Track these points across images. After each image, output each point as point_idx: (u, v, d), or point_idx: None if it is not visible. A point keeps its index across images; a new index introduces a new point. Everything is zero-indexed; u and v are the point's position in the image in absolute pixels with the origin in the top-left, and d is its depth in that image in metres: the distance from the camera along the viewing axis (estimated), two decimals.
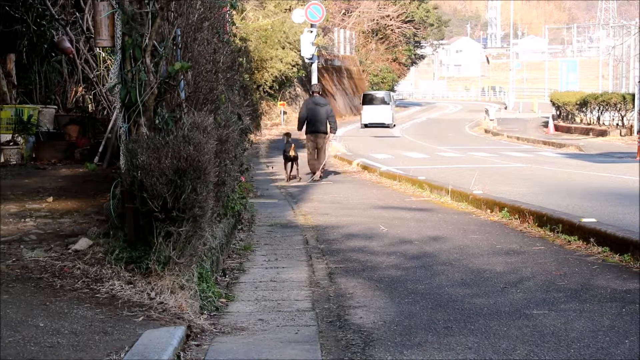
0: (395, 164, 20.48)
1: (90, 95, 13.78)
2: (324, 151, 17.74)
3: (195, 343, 4.97)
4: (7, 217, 7.13)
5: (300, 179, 17.70)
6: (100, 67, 13.46)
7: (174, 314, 5.18)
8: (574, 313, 5.78)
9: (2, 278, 5.39)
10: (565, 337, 5.17)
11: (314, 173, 17.68)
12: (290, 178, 17.68)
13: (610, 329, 5.34)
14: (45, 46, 13.60)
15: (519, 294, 6.41)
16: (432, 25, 73.48)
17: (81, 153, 11.83)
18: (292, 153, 17.46)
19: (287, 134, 17.99)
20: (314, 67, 29.48)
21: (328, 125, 17.65)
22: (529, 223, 9.93)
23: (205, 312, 5.71)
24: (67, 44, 13.03)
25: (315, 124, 17.57)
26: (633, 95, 34.20)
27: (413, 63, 77.77)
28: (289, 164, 17.68)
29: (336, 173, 19.25)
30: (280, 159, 18.94)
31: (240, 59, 9.77)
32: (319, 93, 18.36)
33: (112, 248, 5.85)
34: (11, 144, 11.80)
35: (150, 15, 6.04)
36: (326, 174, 18.43)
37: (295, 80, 42.61)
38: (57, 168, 10.95)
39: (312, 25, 28.01)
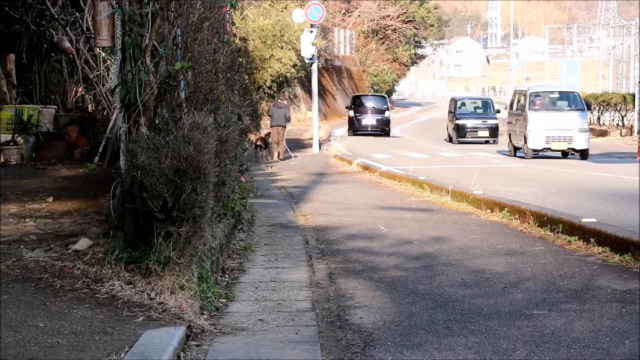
0: (395, 164, 20.47)
1: (90, 95, 13.77)
2: (283, 139, 25.36)
3: (195, 343, 4.97)
4: (7, 217, 7.13)
5: (271, 160, 24.49)
6: (100, 67, 13.44)
7: (174, 314, 5.18)
8: (574, 313, 5.78)
9: (2, 278, 5.39)
10: (565, 338, 5.16)
11: (278, 155, 24.93)
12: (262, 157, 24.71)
13: (610, 330, 5.34)
14: (45, 46, 13.59)
15: (519, 294, 6.40)
16: (432, 25, 73.41)
17: (81, 153, 11.81)
18: (259, 142, 24.64)
19: (268, 134, 25.19)
20: (314, 67, 29.49)
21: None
22: (529, 223, 9.92)
23: (205, 312, 5.70)
24: (67, 44, 13.01)
25: (276, 121, 25.21)
26: (633, 96, 34.23)
27: (413, 63, 77.67)
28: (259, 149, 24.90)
29: (287, 157, 25.19)
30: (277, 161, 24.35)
31: (240, 59, 9.78)
32: (280, 100, 27.49)
33: (112, 248, 5.84)
34: (11, 144, 11.79)
35: (150, 15, 6.03)
36: (286, 158, 25.12)
37: (295, 80, 42.55)
38: (57, 168, 10.93)
39: (312, 25, 28.02)
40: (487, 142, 32.42)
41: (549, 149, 23.35)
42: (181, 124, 5.82)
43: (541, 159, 23.40)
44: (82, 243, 6.12)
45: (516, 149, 24.79)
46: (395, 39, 66.29)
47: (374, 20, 63.77)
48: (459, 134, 32.64)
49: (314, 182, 17.48)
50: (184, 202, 5.51)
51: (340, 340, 5.17)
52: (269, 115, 25.96)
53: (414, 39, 71.49)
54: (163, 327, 4.84)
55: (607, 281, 6.82)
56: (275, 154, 25.07)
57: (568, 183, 15.62)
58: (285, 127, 25.66)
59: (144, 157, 5.55)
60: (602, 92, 42.19)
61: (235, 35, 11.10)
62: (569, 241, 8.71)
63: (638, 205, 11.01)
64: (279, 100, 27.02)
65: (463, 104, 34.57)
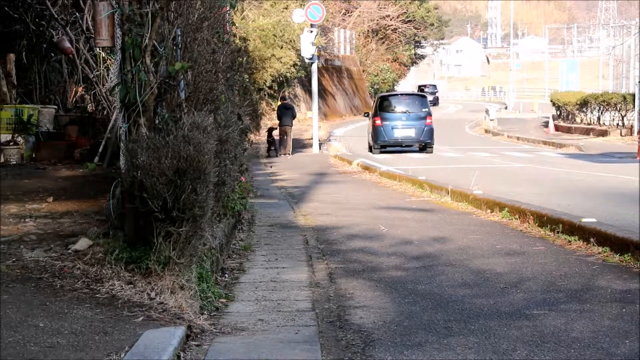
0: (395, 164, 20.48)
1: (90, 95, 13.78)
2: (289, 136, 27.84)
3: (195, 343, 4.97)
4: (7, 217, 7.13)
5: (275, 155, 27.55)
6: (100, 67, 13.45)
7: (174, 314, 5.18)
8: (574, 313, 5.78)
9: (2, 278, 5.39)
10: (565, 338, 5.16)
11: (284, 152, 27.55)
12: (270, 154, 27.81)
13: (610, 330, 5.34)
14: (45, 46, 13.60)
15: (520, 294, 6.40)
16: (432, 25, 73.39)
17: (81, 153, 11.82)
18: (269, 138, 28.32)
19: (271, 129, 28.43)
20: (314, 67, 29.50)
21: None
22: (529, 223, 9.92)
23: (205, 312, 5.70)
24: (67, 44, 13.02)
25: (283, 120, 27.76)
26: (633, 95, 34.14)
27: (413, 63, 77.65)
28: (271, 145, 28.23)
29: (284, 154, 27.53)
30: (279, 159, 26.08)
31: (240, 59, 9.78)
32: (285, 100, 31.21)
33: (112, 248, 5.84)
34: (11, 144, 11.80)
35: (150, 15, 6.03)
36: (292, 152, 27.86)
37: (295, 80, 42.54)
38: (57, 168, 10.94)
39: (312, 25, 28.03)
40: None
41: None
42: (181, 124, 5.82)
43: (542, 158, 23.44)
44: (82, 243, 6.12)
45: None
46: (395, 39, 66.28)
47: (374, 20, 63.75)
48: None
49: (314, 182, 17.49)
50: (184, 202, 5.51)
51: (340, 340, 5.17)
52: (278, 115, 28.48)
53: (414, 39, 71.48)
54: (163, 327, 4.84)
55: (607, 281, 6.82)
56: (283, 149, 27.86)
57: (568, 183, 15.61)
58: (291, 126, 28.44)
59: (144, 157, 5.55)
60: (602, 92, 42.06)
61: (235, 35, 11.10)
62: (569, 241, 8.71)
63: (638, 205, 11.00)
64: (284, 101, 29.88)
65: None
